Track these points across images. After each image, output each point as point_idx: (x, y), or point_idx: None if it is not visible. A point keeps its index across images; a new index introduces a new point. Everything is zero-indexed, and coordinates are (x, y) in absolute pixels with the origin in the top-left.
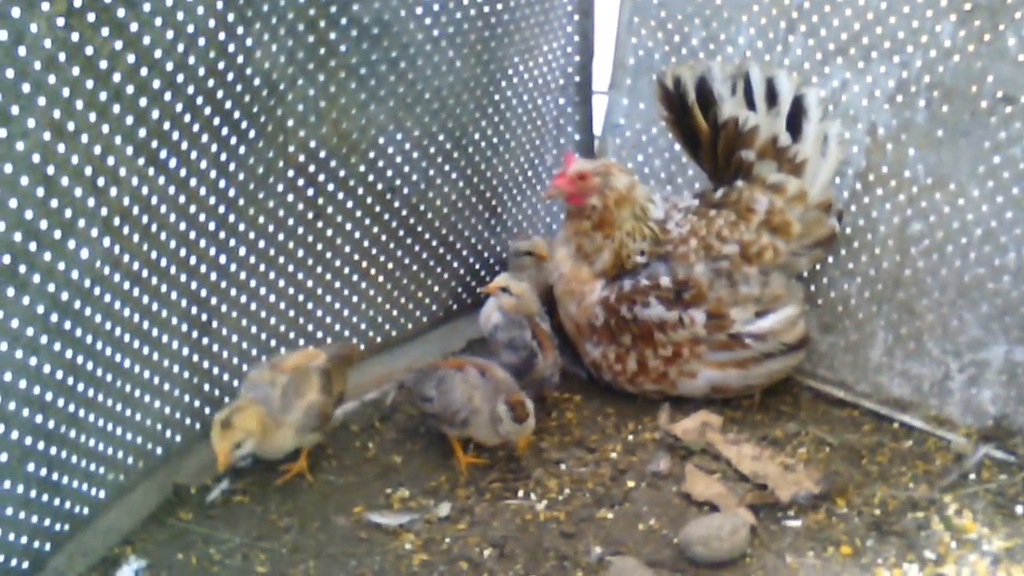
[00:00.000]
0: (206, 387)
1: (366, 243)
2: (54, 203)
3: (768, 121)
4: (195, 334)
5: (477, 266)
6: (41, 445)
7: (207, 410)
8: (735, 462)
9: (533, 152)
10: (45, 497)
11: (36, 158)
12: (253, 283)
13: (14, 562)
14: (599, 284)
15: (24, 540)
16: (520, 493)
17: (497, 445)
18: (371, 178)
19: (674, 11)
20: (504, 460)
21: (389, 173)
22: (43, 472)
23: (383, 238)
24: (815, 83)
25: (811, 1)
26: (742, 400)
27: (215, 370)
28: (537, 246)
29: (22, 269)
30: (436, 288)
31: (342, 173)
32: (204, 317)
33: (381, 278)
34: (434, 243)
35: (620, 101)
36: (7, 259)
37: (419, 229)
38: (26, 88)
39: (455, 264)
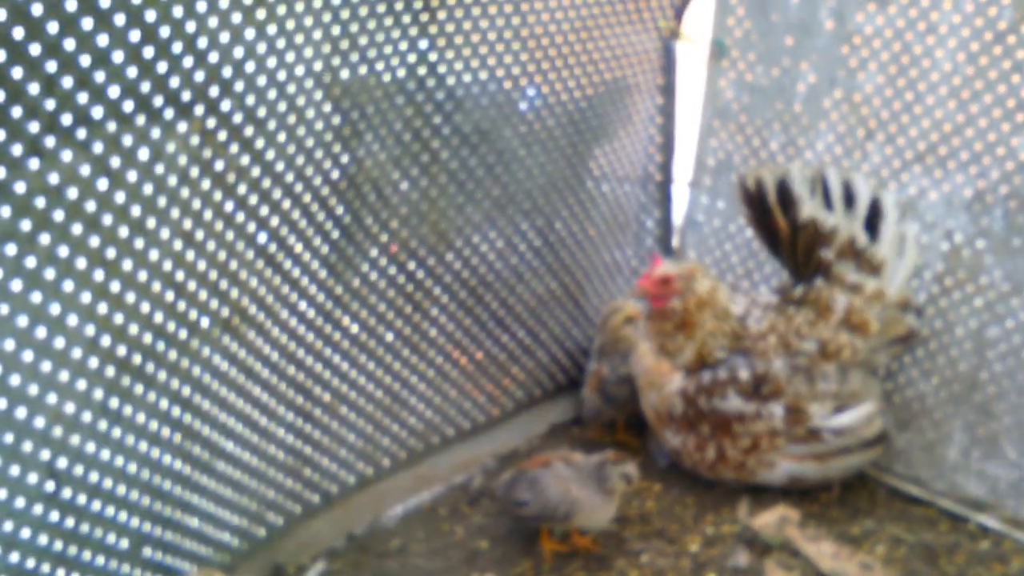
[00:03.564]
0: (306, 471)
1: (458, 334)
2: (181, 305)
3: (846, 222)
4: (299, 421)
5: (560, 355)
6: (157, 531)
7: (306, 493)
8: (814, 559)
9: (616, 247)
10: None
11: (167, 265)
12: (353, 372)
13: None
14: (679, 375)
15: None
16: None
17: (602, 529)
18: (465, 273)
19: (754, 116)
20: (585, 550)
21: (482, 269)
22: (157, 556)
23: (474, 329)
24: (892, 189)
25: (889, 111)
26: (820, 495)
27: (315, 455)
28: (631, 309)
29: (150, 368)
30: (521, 376)
31: (438, 269)
32: (307, 405)
33: (471, 367)
34: (520, 333)
35: (700, 199)
36: (137, 358)
37: (507, 320)
38: (162, 202)
39: (539, 353)
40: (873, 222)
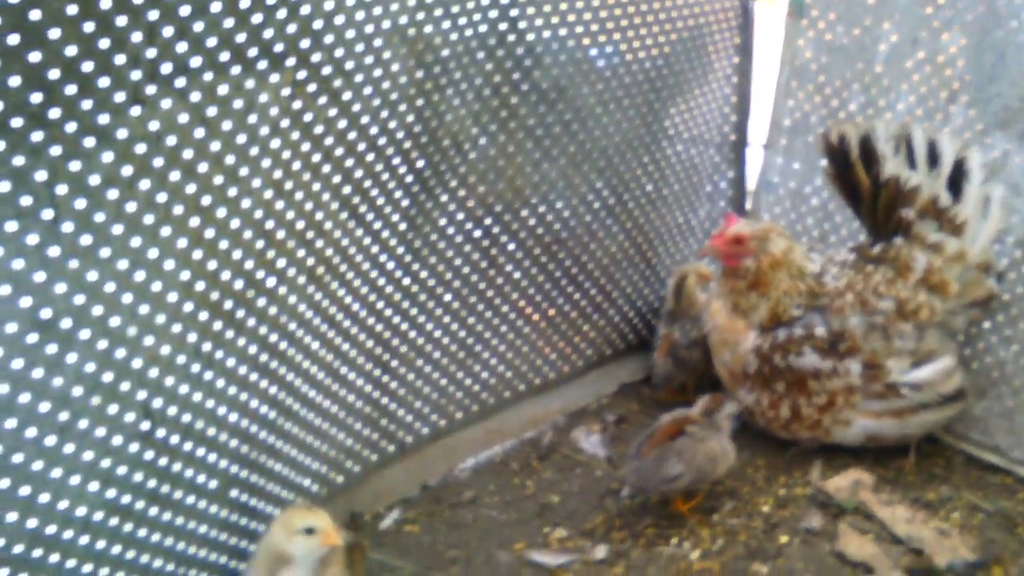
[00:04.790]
0: (383, 421)
1: (531, 290)
2: (271, 254)
3: (929, 181)
4: (377, 372)
5: (631, 314)
6: (244, 473)
7: (383, 442)
8: (889, 523)
9: (688, 207)
10: (243, 520)
11: (259, 214)
12: (429, 325)
13: None
14: (753, 333)
15: (223, 560)
16: (673, 540)
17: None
18: (540, 230)
19: (833, 76)
20: (658, 506)
21: (556, 226)
22: (243, 497)
23: (547, 286)
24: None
25: (973, 73)
26: (894, 460)
27: (391, 405)
28: (703, 270)
29: (240, 313)
30: (592, 334)
31: (514, 226)
32: (386, 356)
33: (543, 323)
34: (593, 291)
35: (775, 160)
36: (229, 304)
37: (580, 278)
38: (254, 151)
39: (611, 312)
40: (957, 182)
